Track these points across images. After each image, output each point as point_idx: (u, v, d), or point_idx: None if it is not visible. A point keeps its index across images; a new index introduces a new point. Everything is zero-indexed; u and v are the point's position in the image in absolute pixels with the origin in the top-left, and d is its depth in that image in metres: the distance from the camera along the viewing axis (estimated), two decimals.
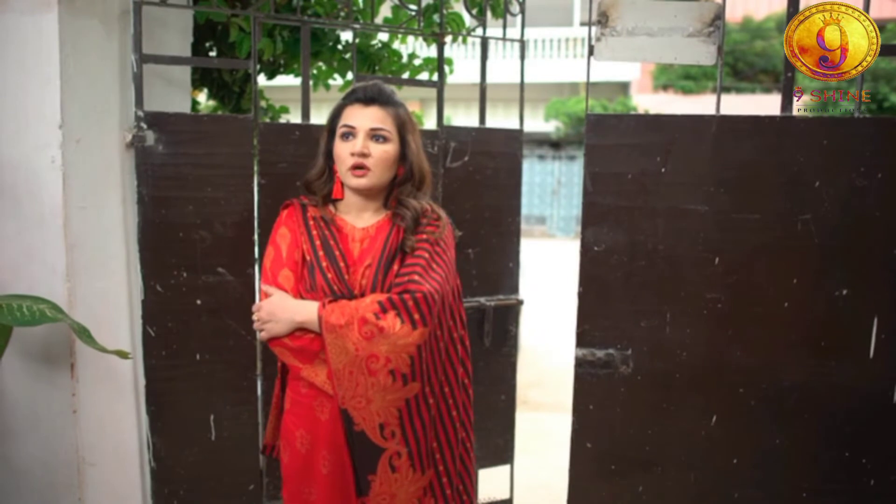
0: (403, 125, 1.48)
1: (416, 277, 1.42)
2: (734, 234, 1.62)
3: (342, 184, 1.50)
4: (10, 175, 1.69)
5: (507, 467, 2.38)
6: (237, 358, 1.91)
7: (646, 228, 1.65)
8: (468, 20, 2.48)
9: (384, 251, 1.46)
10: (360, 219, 1.52)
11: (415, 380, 1.41)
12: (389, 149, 1.46)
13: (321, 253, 1.47)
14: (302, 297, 1.47)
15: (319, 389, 1.45)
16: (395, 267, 1.45)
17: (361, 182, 1.45)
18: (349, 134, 1.46)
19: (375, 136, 1.45)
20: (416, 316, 1.38)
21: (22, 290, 1.67)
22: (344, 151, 1.46)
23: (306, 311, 1.42)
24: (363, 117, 1.46)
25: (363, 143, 1.44)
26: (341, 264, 1.46)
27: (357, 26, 2.18)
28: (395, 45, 2.91)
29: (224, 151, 1.85)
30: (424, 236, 1.48)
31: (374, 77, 2.50)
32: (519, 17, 2.28)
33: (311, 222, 1.50)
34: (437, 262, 1.46)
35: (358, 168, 1.44)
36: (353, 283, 1.45)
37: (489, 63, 2.28)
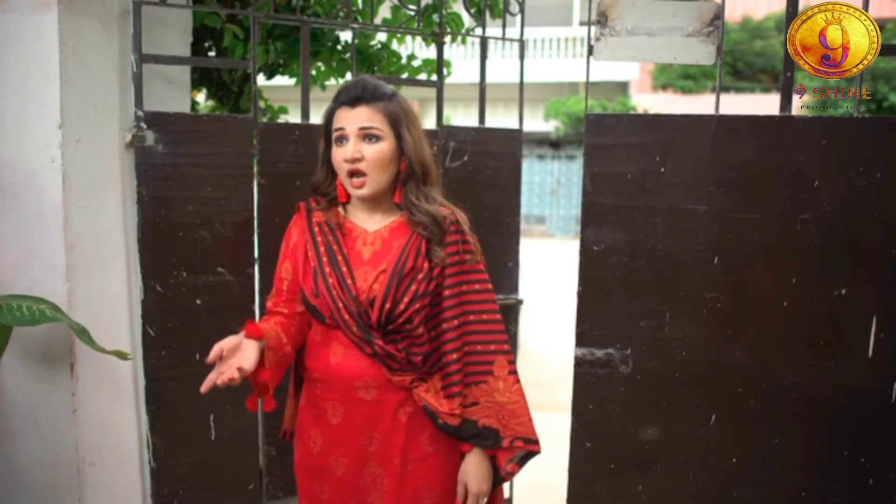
0: (396, 119, 1.42)
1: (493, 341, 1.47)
2: (733, 234, 1.62)
3: (344, 187, 1.47)
4: (10, 175, 1.69)
5: None
6: None
7: (645, 228, 1.65)
8: (467, 20, 2.48)
9: (401, 259, 1.42)
10: (370, 220, 1.48)
11: None
12: (383, 147, 1.41)
13: (325, 259, 1.44)
14: (306, 300, 1.45)
15: (332, 394, 1.43)
16: (411, 275, 1.41)
17: (362, 192, 1.42)
18: (342, 138, 1.42)
19: (366, 135, 1.40)
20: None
21: (22, 290, 1.67)
22: (339, 157, 1.42)
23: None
24: (351, 119, 1.41)
25: (354, 146, 1.39)
26: (343, 269, 1.42)
27: (356, 26, 2.18)
28: (394, 45, 2.91)
29: (224, 151, 1.85)
30: (456, 260, 1.46)
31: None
32: (518, 17, 2.28)
33: (316, 228, 1.47)
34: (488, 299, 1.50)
35: (354, 175, 1.41)
36: (358, 289, 1.41)
37: (488, 63, 2.28)
